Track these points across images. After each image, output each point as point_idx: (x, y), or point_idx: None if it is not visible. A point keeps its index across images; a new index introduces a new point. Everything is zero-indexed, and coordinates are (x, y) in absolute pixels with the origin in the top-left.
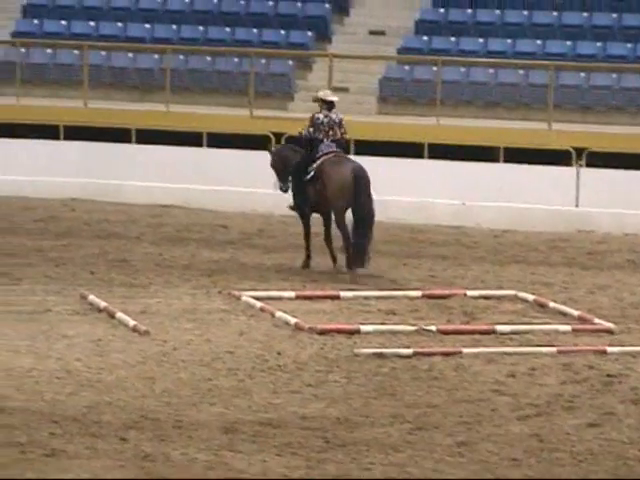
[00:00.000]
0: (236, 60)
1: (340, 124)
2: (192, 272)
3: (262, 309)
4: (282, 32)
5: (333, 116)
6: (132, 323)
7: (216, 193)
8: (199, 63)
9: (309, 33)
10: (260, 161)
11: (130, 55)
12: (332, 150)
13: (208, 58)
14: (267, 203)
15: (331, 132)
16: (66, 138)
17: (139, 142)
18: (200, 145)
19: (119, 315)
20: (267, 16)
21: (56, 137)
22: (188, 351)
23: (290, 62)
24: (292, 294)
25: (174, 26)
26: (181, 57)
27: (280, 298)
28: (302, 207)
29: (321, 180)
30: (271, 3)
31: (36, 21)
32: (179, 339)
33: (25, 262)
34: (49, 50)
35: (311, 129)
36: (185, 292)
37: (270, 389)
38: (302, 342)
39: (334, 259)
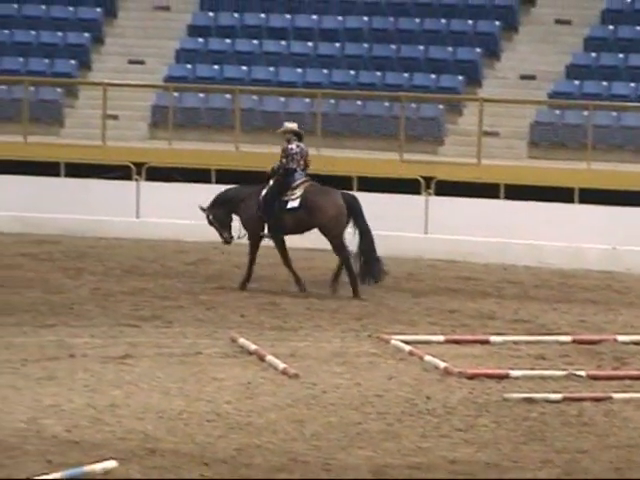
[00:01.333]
0: (386, 104)
1: (307, 154)
2: (341, 316)
3: (411, 353)
4: (433, 76)
5: (302, 146)
6: (282, 366)
7: None
8: (350, 107)
9: (460, 77)
10: (410, 205)
11: (282, 99)
12: (306, 180)
13: (359, 102)
14: (417, 247)
15: (301, 162)
16: (218, 182)
17: None
18: (350, 189)
19: (269, 358)
20: (418, 60)
21: (208, 181)
22: (337, 394)
23: (440, 106)
24: (441, 338)
25: (325, 70)
26: (332, 101)
27: (429, 342)
28: (278, 234)
29: (309, 210)
30: (422, 47)
31: (189, 66)
32: (328, 382)
33: (176, 305)
34: (201, 94)
35: (284, 160)
36: (334, 335)
37: (419, 433)
38: (451, 386)
39: (299, 280)
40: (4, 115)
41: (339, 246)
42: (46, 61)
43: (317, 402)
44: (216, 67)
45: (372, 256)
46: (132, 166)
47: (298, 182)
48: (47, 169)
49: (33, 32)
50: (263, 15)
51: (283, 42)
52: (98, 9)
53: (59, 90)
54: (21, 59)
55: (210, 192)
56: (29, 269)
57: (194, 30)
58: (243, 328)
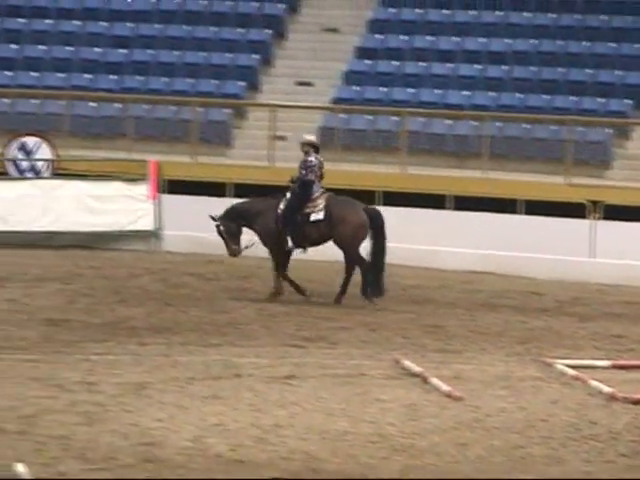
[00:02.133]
0: (554, 128)
1: (323, 166)
2: (505, 339)
3: (576, 377)
4: (601, 100)
5: (320, 158)
6: (445, 388)
7: (530, 260)
8: (517, 130)
9: (628, 101)
10: (576, 229)
11: (448, 122)
12: (324, 191)
13: (526, 125)
14: (582, 271)
15: (319, 173)
16: (384, 203)
17: (455, 208)
18: (515, 212)
19: (433, 380)
20: (586, 84)
21: (372, 202)
22: (501, 418)
23: (608, 130)
24: (607, 363)
25: (493, 93)
26: (499, 124)
27: (594, 367)
28: (301, 246)
29: (332, 221)
30: (590, 71)
31: (357, 88)
32: (492, 406)
33: (340, 326)
34: (369, 116)
35: (303, 171)
36: (498, 359)
37: (583, 458)
38: (616, 412)
39: (302, 290)
40: (173, 135)
41: (355, 257)
42: (215, 82)
43: (481, 425)
44: (384, 89)
45: (381, 274)
46: None
47: (317, 194)
48: (215, 189)
49: (203, 53)
50: (432, 38)
51: (451, 65)
52: (268, 31)
53: (228, 111)
54: (191, 80)
55: None
56: (196, 288)
57: (362, 52)
58: (407, 350)
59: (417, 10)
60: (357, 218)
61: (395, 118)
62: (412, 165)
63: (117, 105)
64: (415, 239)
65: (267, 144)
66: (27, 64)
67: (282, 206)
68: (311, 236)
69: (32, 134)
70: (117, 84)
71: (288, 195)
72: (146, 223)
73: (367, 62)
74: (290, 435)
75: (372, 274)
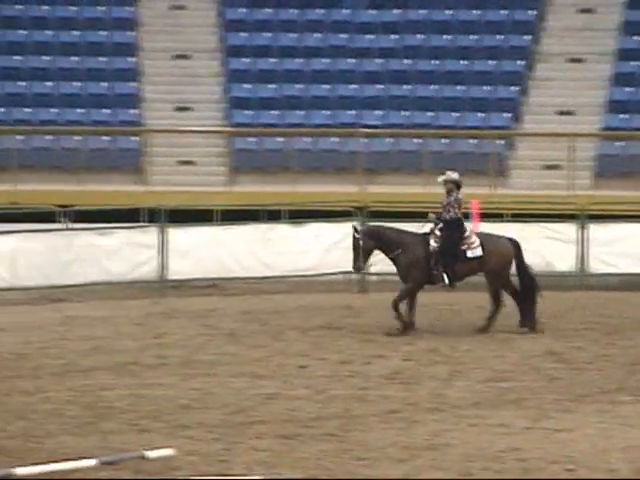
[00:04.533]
0: None
1: None
2: None
3: None
4: None
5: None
6: None
7: None
8: None
9: None
10: None
11: None
12: (471, 229)
13: None
14: None
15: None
16: None
17: None
18: None
19: None
20: None
21: None
22: None
23: None
24: None
25: None
26: None
27: None
28: (453, 283)
29: (486, 257)
30: None
31: None
32: None
33: None
34: None
35: (456, 210)
36: None
37: None
38: None
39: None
40: None
41: (509, 287)
42: None
43: None
44: None
45: (532, 301)
46: None
47: (469, 231)
48: None
49: None
50: None
51: None
52: None
53: None
54: None
55: None
56: None
57: None
58: None
59: None
60: (508, 251)
61: None
62: None
63: None
64: None
65: None
66: None
67: (433, 243)
68: (462, 272)
69: None
70: None
71: (437, 232)
72: None
73: None
74: None
75: (525, 303)
